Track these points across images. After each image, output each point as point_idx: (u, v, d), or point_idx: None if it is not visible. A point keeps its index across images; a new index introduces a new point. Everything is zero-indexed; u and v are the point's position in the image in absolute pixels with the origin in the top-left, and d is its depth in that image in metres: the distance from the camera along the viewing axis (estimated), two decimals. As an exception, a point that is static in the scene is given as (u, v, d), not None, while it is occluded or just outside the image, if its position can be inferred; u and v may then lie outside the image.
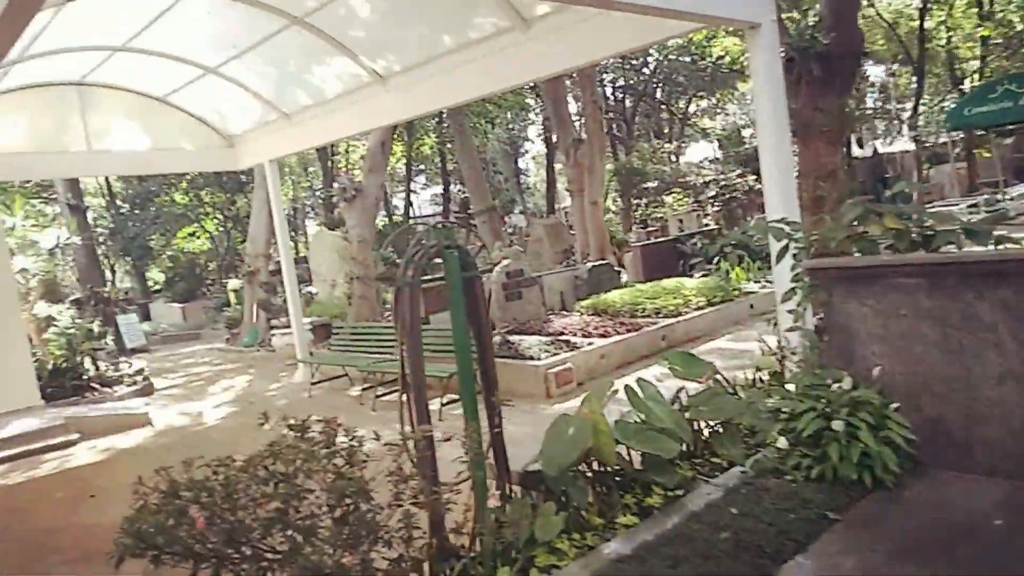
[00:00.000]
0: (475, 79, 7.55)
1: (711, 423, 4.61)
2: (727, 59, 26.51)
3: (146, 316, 20.56)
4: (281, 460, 2.41)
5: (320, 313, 13.60)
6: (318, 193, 28.64)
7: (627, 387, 4.34)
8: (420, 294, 3.78)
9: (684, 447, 4.28)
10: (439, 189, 38.45)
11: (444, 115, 24.55)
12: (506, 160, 38.26)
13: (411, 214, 32.06)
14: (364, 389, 8.73)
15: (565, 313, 11.06)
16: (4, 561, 5.12)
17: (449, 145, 31.43)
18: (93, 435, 8.38)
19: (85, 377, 10.30)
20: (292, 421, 2.74)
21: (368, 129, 10.63)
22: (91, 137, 10.06)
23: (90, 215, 22.03)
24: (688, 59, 28.43)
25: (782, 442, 3.94)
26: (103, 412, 9.00)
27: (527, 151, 41.76)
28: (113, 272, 24.98)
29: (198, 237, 24.41)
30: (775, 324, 6.42)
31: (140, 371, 11.35)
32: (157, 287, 24.28)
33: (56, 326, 11.03)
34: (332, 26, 7.93)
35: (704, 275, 11.90)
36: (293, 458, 2.40)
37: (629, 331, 9.26)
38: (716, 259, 12.55)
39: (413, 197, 35.17)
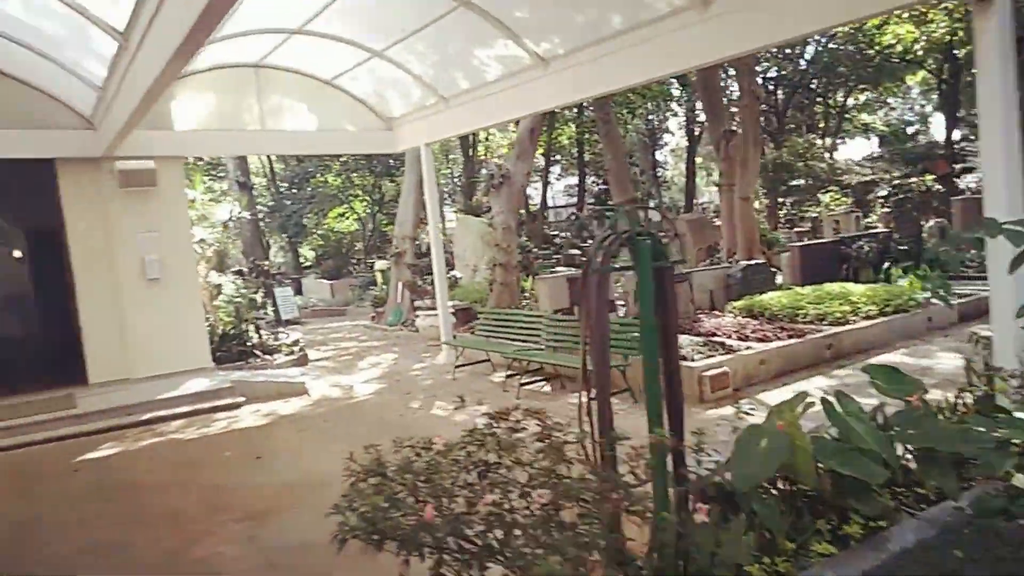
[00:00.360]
0: (645, 62, 7.21)
1: (914, 449, 4.08)
2: (898, 48, 24.30)
3: (298, 290, 21.84)
4: (486, 449, 2.27)
5: (462, 297, 13.79)
6: (456, 179, 29.25)
7: (824, 399, 3.91)
8: (608, 282, 3.55)
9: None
10: (572, 180, 38.26)
11: (585, 104, 24.26)
12: (643, 152, 37.37)
13: (546, 204, 32.08)
14: (508, 376, 8.68)
15: (716, 313, 10.51)
16: (184, 512, 5.44)
17: (587, 135, 31.12)
18: (256, 399, 8.88)
19: (249, 344, 10.98)
20: (491, 409, 2.59)
21: (527, 113, 10.50)
22: (265, 117, 10.65)
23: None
24: (852, 48, 26.36)
25: (1019, 479, 3.38)
26: (265, 378, 9.53)
27: (666, 143, 40.63)
28: (268, 247, 26.78)
29: (347, 218, 25.63)
30: (977, 341, 5.67)
31: (296, 342, 11.97)
32: (307, 263, 25.77)
33: (224, 294, 11.84)
34: (498, 7, 7.86)
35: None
36: (497, 449, 2.25)
37: (791, 337, 8.62)
38: (888, 265, 11.50)
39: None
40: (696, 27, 6.53)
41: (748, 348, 8.23)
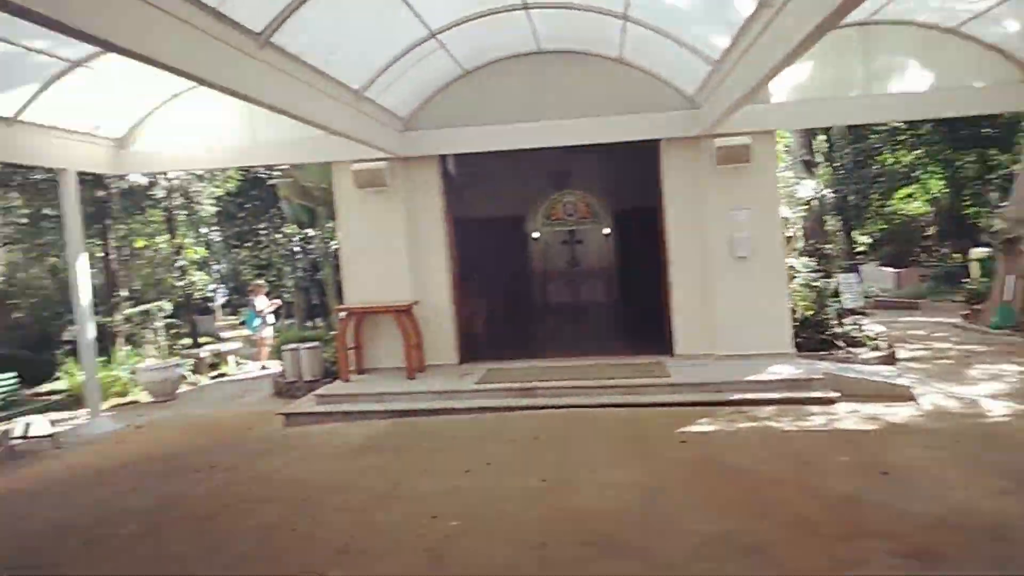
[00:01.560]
0: None
1: None
2: None
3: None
4: None
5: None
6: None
7: None
8: None
9: None
10: None
11: None
12: None
13: None
14: None
15: None
16: (815, 522, 4.78)
17: None
18: (851, 397, 7.84)
19: (829, 333, 9.98)
20: None
21: None
22: (870, 80, 9.40)
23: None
24: None
25: None
26: (858, 375, 8.41)
27: None
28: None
29: (916, 199, 22.25)
30: None
31: (879, 335, 10.48)
32: (860, 249, 23.35)
33: (799, 277, 11.05)
34: None
35: None
36: None
37: None
38: None
39: None
40: None
41: None
